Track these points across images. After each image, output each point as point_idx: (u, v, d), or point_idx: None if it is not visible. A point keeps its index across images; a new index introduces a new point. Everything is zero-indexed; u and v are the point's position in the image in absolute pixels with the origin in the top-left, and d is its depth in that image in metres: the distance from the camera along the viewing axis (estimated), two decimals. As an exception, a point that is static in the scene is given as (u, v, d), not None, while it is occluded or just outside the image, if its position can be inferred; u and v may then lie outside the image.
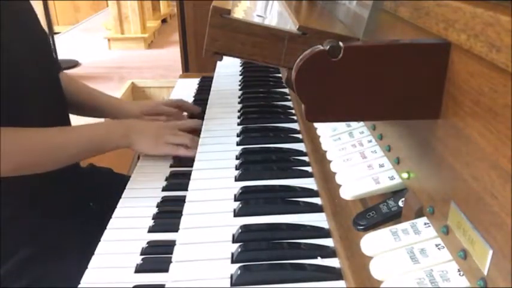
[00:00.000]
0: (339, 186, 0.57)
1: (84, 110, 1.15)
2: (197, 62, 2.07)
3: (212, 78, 1.33)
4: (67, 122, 1.03)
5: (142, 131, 0.94)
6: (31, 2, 0.95)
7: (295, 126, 0.98)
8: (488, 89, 0.34)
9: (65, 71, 1.13)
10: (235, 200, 0.73)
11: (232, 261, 0.60)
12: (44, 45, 0.96)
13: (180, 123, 1.01)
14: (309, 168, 0.81)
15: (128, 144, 0.92)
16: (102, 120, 1.18)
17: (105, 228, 0.76)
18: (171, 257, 0.61)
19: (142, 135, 0.93)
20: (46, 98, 0.93)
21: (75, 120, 1.06)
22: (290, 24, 0.69)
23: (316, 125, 0.73)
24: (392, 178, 0.52)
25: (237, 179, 0.79)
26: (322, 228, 0.66)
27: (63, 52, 3.76)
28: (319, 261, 0.60)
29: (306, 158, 0.85)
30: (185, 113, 1.16)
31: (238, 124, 1.00)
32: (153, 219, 0.78)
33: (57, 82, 0.99)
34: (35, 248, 0.86)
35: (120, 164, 1.50)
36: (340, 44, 0.39)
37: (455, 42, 0.38)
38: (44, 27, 0.99)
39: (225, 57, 0.70)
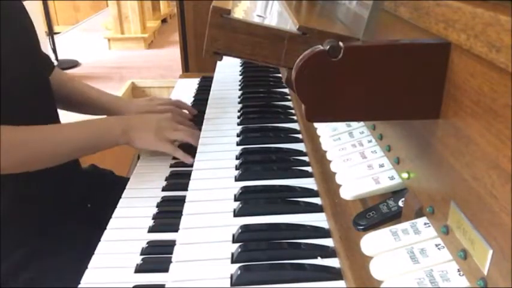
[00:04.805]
0: (339, 186, 0.57)
1: (80, 107, 1.13)
2: (197, 62, 2.06)
3: (212, 78, 1.33)
4: (56, 120, 1.01)
5: (142, 127, 0.93)
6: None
7: (295, 126, 0.98)
8: (488, 89, 0.34)
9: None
10: (235, 200, 0.73)
11: (232, 261, 0.60)
12: (31, 44, 0.95)
13: (181, 119, 1.01)
14: (309, 168, 0.81)
15: (127, 141, 0.91)
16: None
17: (104, 229, 0.76)
18: (171, 257, 0.61)
19: (142, 131, 0.92)
20: (34, 98, 0.92)
21: (63, 118, 1.05)
22: (290, 24, 0.69)
23: (316, 125, 0.73)
24: (392, 178, 0.52)
25: (237, 179, 0.79)
26: (322, 228, 0.66)
27: (63, 52, 3.76)
28: (319, 261, 0.60)
29: (306, 158, 0.85)
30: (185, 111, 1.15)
31: (238, 124, 1.00)
32: (153, 219, 0.78)
33: (46, 81, 0.98)
34: (32, 248, 0.86)
35: (119, 165, 1.50)
36: (340, 44, 0.39)
37: (455, 42, 0.38)
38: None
39: (225, 57, 0.70)
